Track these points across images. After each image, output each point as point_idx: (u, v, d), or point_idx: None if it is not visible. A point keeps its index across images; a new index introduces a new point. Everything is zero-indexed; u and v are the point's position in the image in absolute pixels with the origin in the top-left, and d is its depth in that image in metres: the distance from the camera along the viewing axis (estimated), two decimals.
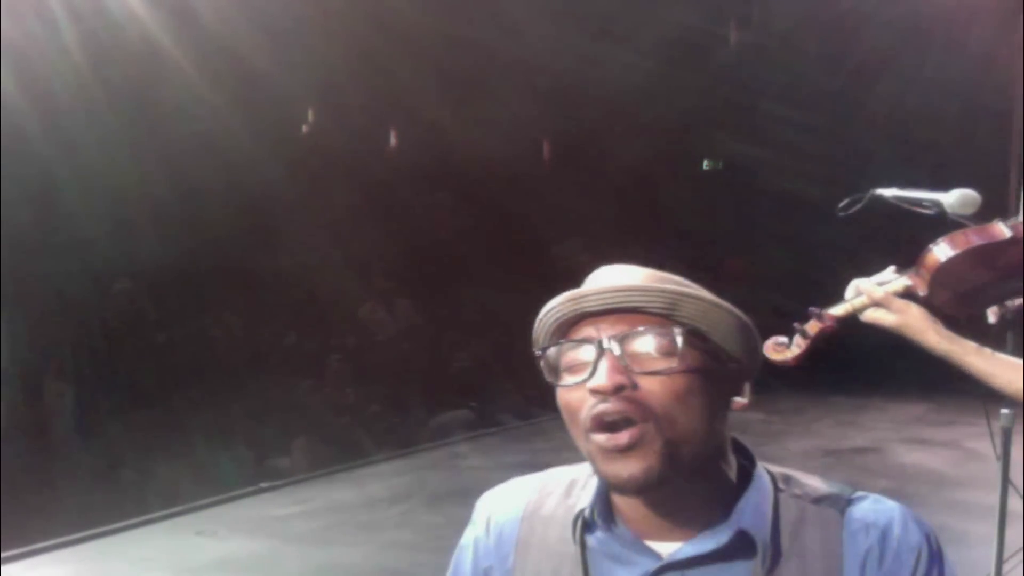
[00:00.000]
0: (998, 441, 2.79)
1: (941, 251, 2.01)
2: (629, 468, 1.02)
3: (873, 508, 1.09)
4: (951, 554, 1.11)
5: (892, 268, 2.09)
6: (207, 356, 8.48)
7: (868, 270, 2.16)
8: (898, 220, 2.48)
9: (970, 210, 2.23)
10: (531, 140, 12.20)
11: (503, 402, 9.84)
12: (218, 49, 7.97)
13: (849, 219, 2.48)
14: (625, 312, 1.06)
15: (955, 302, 2.05)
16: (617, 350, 1.04)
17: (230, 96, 8.29)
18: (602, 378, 1.03)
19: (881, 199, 2.41)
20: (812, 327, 2.09)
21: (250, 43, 8.05)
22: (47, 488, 6.68)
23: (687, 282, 1.11)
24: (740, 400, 1.10)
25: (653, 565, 1.07)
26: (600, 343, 1.05)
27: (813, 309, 2.09)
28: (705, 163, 14.18)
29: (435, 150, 10.64)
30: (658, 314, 1.06)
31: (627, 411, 1.02)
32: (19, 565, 5.45)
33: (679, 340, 1.04)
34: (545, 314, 1.12)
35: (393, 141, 11.48)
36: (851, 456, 7.92)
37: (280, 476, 7.41)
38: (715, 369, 1.07)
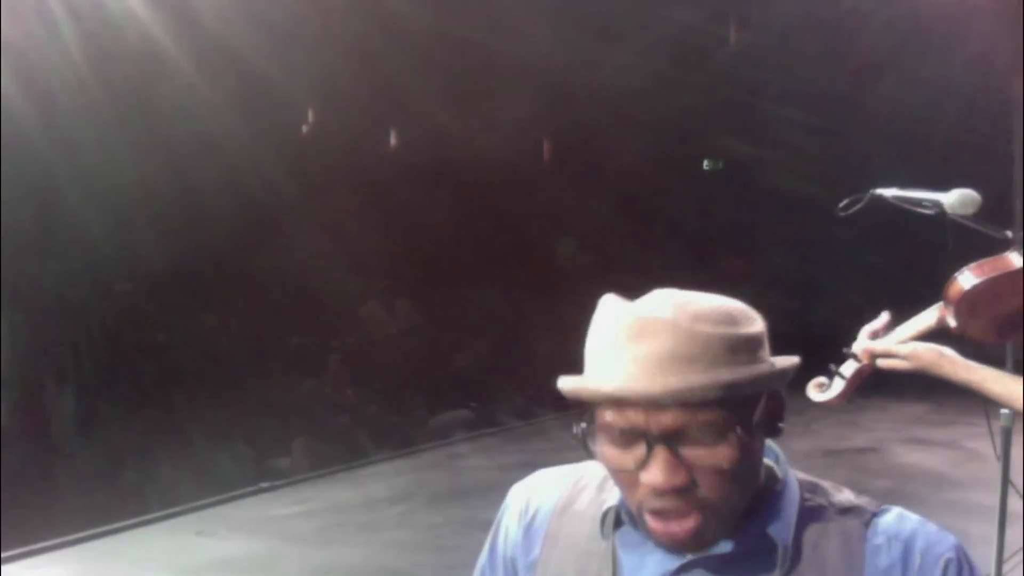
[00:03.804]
0: (998, 441, 2.79)
1: (964, 280, 2.03)
2: (683, 547, 1.03)
3: (897, 522, 1.07)
4: None
5: (886, 314, 2.12)
6: (207, 356, 8.47)
7: (868, 270, 2.16)
8: (898, 220, 2.48)
9: (970, 210, 2.23)
10: (531, 140, 12.21)
11: (503, 402, 9.84)
12: (218, 49, 7.97)
13: (849, 219, 2.48)
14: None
15: (988, 330, 2.07)
16: (672, 445, 0.99)
17: (230, 96, 8.30)
18: (658, 476, 0.99)
19: (881, 199, 2.41)
20: (846, 368, 2.14)
21: (250, 43, 8.05)
22: (47, 488, 6.68)
23: (731, 335, 1.01)
24: (782, 425, 1.09)
25: (677, 563, 1.07)
26: (651, 438, 0.99)
27: (846, 351, 2.14)
28: (705, 163, 14.19)
29: (435, 150, 10.65)
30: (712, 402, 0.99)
31: (685, 508, 1.00)
32: (19, 565, 5.44)
33: (737, 433, 0.99)
34: (572, 391, 1.03)
35: (393, 141, 11.48)
36: (851, 456, 7.92)
37: (280, 476, 7.40)
38: (764, 429, 1.05)
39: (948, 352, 2.00)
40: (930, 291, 2.09)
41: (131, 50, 7.82)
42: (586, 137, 11.84)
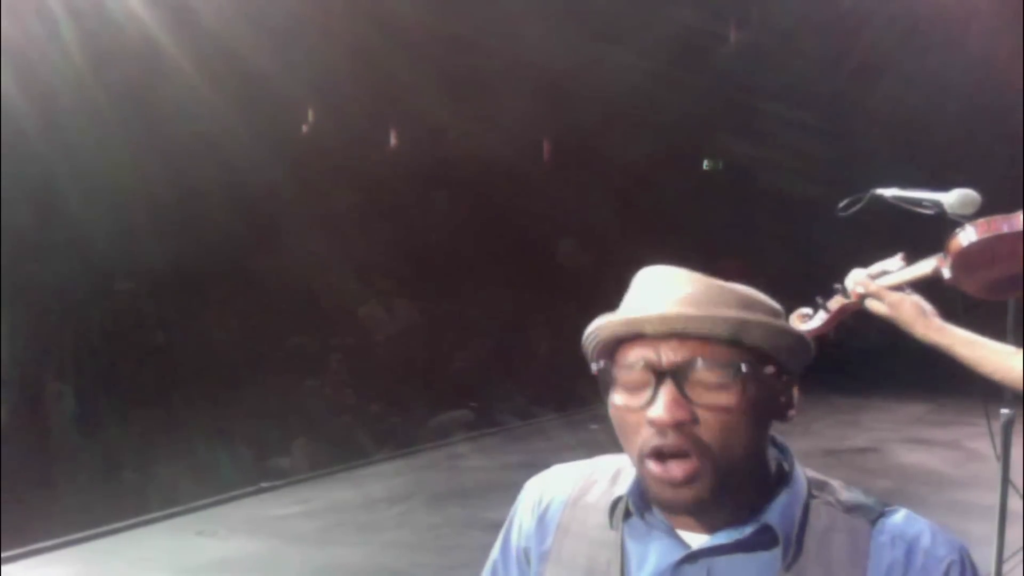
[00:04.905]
0: (998, 441, 2.79)
1: (965, 235, 2.01)
2: (680, 497, 1.04)
3: (904, 522, 1.09)
4: None
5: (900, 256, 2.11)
6: (207, 356, 8.47)
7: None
8: (898, 220, 2.48)
9: (970, 210, 2.23)
10: (531, 140, 12.20)
11: (503, 402, 9.85)
12: (218, 49, 7.97)
13: (849, 219, 2.48)
14: (687, 337, 1.04)
15: (981, 287, 2.06)
16: (678, 380, 1.03)
17: (230, 96, 8.29)
18: (661, 411, 1.02)
19: (881, 199, 2.41)
20: (833, 303, 2.14)
21: (250, 43, 8.04)
22: (47, 488, 6.68)
23: (750, 295, 1.09)
24: (791, 412, 1.11)
25: (681, 553, 1.09)
26: (661, 372, 1.03)
27: (837, 286, 2.14)
28: (705, 163, 14.19)
29: (435, 150, 10.64)
30: (721, 340, 1.03)
31: (684, 446, 1.02)
32: (19, 565, 5.45)
33: (743, 374, 1.03)
34: (597, 328, 1.09)
35: (393, 141, 11.48)
36: (851, 456, 7.93)
37: (280, 476, 7.41)
38: (772, 391, 1.07)
39: (929, 312, 2.00)
40: (929, 290, 2.09)
41: (131, 50, 7.81)
42: (586, 137, 11.83)
